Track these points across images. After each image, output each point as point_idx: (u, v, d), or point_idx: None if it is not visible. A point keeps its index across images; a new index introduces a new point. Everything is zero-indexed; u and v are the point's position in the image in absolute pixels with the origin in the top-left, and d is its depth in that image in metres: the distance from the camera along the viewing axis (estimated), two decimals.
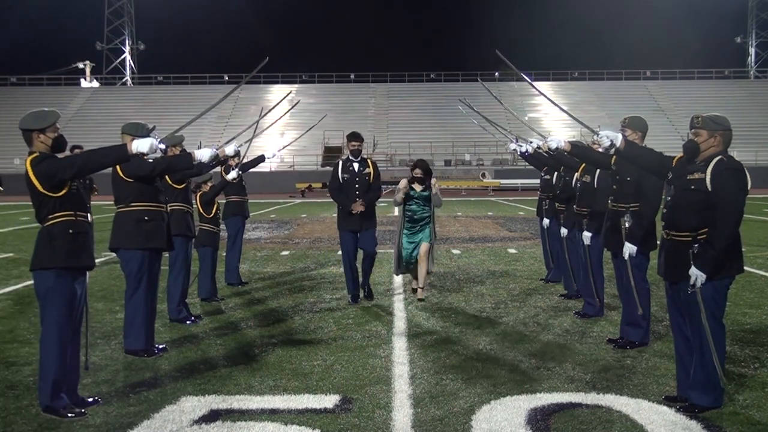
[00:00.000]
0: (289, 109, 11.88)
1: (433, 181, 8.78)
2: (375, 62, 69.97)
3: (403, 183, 8.72)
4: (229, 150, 7.50)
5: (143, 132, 5.89)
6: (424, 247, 8.67)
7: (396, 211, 8.45)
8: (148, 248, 6.23)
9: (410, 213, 8.73)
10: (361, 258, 8.64)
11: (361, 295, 8.64)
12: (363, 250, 8.54)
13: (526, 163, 10.32)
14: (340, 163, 8.69)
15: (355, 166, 8.53)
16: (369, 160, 8.69)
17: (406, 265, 8.78)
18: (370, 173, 8.56)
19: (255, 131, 8.67)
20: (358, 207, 8.34)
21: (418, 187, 8.74)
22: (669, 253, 4.85)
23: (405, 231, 8.75)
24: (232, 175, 8.99)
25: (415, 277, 8.81)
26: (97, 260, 11.06)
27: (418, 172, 8.73)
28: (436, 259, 9.72)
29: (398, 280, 9.92)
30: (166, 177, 7.36)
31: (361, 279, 8.66)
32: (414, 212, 8.72)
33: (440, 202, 8.83)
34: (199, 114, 5.82)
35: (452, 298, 8.84)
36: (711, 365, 4.68)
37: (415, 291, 8.84)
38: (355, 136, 8.54)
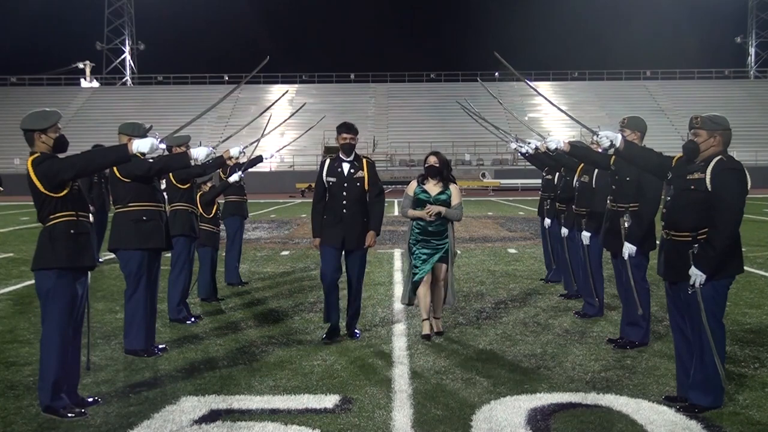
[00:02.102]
0: (295, 112, 11.89)
1: (453, 188, 6.84)
2: (375, 62, 70.00)
3: (411, 187, 6.93)
4: (234, 151, 7.51)
5: (140, 132, 5.92)
6: (441, 268, 6.79)
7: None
8: (147, 248, 6.24)
9: (423, 224, 6.77)
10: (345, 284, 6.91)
11: (342, 330, 6.81)
12: (347, 272, 6.79)
13: (527, 163, 10.35)
14: (327, 162, 6.75)
15: (345, 167, 6.65)
16: (364, 160, 6.78)
17: (414, 289, 6.81)
18: (363, 177, 6.65)
19: (263, 133, 8.69)
20: (371, 240, 6.71)
21: (433, 188, 6.79)
22: (669, 253, 4.85)
23: (416, 248, 6.79)
24: (235, 177, 9.03)
25: (425, 308, 6.77)
26: (100, 259, 11.13)
27: (431, 161, 6.80)
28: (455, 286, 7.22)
29: (398, 277, 9.90)
30: (171, 177, 7.37)
31: (345, 319, 6.84)
32: (428, 222, 6.74)
33: (461, 215, 6.87)
34: (198, 115, 5.83)
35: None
36: (711, 365, 4.68)
37: (428, 337, 6.66)
38: (346, 128, 6.71)
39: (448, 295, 6.89)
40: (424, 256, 6.74)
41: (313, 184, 6.84)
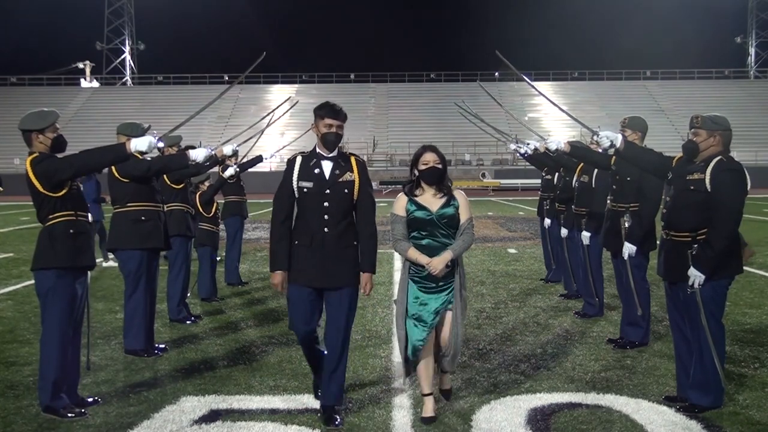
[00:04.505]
0: (288, 110, 11.91)
1: (460, 197, 4.65)
2: (375, 62, 69.83)
3: (400, 205, 4.64)
4: (227, 150, 7.51)
5: (139, 132, 5.92)
6: (446, 318, 4.62)
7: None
8: (146, 248, 6.24)
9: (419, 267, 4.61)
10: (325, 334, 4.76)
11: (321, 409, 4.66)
12: (327, 324, 4.62)
13: (526, 163, 10.34)
14: (298, 161, 4.59)
15: (326, 166, 4.56)
16: (353, 158, 4.67)
17: (414, 353, 4.64)
18: (353, 181, 4.56)
19: (259, 136, 8.68)
20: (368, 284, 4.61)
21: (433, 201, 4.60)
22: (668, 253, 4.85)
23: (413, 289, 4.64)
24: (230, 172, 9.07)
25: (426, 380, 4.68)
26: (98, 260, 11.14)
27: (429, 160, 4.58)
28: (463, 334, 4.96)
29: (398, 277, 9.83)
30: (164, 177, 7.37)
31: (324, 386, 4.66)
32: (430, 249, 4.56)
33: (472, 238, 4.67)
34: (195, 113, 5.82)
35: None
36: (711, 365, 4.68)
37: (430, 420, 4.60)
38: (332, 111, 4.55)
39: (453, 345, 4.66)
40: (431, 315, 4.58)
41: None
